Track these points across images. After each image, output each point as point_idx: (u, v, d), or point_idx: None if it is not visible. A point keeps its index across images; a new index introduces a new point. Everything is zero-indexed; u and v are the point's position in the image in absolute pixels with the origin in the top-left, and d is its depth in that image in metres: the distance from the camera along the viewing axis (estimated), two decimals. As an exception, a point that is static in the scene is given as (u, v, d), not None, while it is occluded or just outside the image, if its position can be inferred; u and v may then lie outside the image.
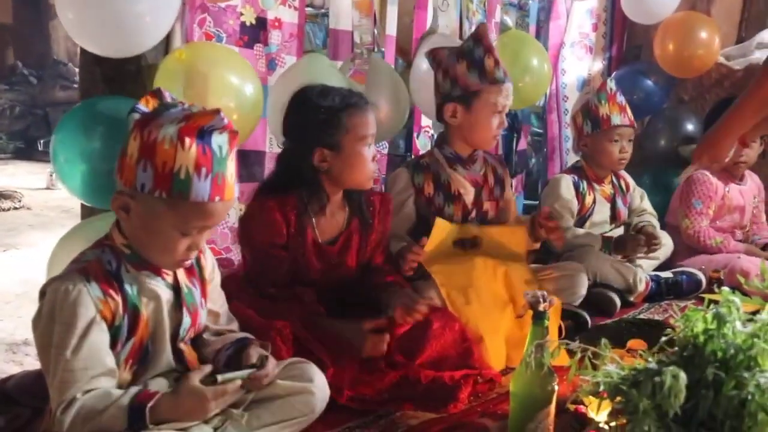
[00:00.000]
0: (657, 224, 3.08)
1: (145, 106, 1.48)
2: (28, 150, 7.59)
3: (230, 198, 1.48)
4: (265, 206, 2.00)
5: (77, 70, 7.30)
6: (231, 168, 1.47)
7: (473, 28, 3.02)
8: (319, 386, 1.64)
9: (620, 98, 2.94)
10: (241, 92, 2.13)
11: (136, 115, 1.45)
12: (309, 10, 2.95)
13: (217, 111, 1.41)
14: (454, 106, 2.45)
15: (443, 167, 2.53)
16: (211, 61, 2.07)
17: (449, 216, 2.51)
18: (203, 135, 1.41)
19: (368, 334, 1.93)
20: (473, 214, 2.55)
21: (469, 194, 2.54)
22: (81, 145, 1.86)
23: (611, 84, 2.96)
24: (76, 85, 7.25)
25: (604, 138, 2.95)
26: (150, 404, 1.41)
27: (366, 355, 1.92)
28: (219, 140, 1.43)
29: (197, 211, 1.44)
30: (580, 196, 2.99)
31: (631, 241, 2.87)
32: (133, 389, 1.46)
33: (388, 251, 2.26)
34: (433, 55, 2.50)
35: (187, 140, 1.39)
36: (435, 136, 3.21)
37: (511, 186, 2.74)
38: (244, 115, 2.15)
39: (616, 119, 2.92)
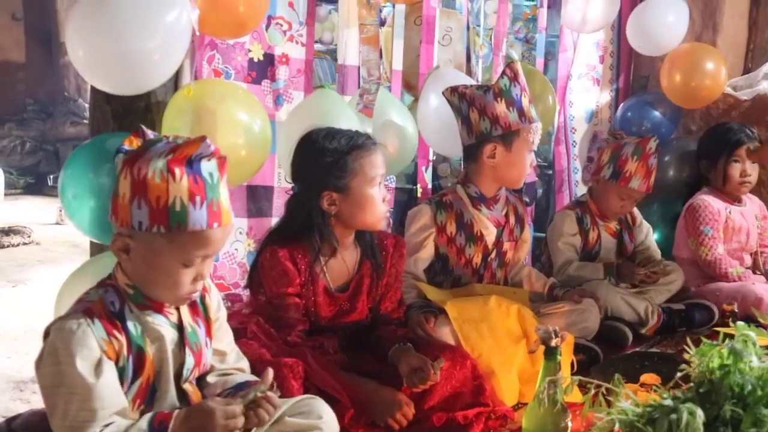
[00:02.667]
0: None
1: (129, 146, 1.48)
2: (38, 185, 7.65)
3: (227, 223, 1.49)
4: (277, 256, 2.00)
5: (87, 106, 7.40)
6: (225, 193, 1.48)
7: (480, 62, 3.05)
8: (328, 423, 1.61)
9: (652, 161, 2.89)
10: (249, 128, 2.13)
11: (122, 156, 1.45)
12: (318, 46, 2.97)
13: (203, 138, 1.42)
14: (494, 146, 2.45)
15: (466, 206, 2.53)
16: (219, 98, 2.08)
17: (470, 256, 2.51)
18: (192, 164, 1.42)
19: (402, 403, 1.87)
20: (493, 254, 2.56)
21: (491, 235, 2.55)
22: (89, 181, 1.86)
23: (653, 143, 2.88)
24: (86, 121, 7.33)
25: (615, 191, 2.95)
26: (171, 425, 1.41)
27: (386, 423, 1.86)
28: (208, 167, 1.44)
29: (197, 240, 1.45)
30: (583, 232, 2.98)
31: (630, 269, 2.85)
32: (147, 415, 1.45)
33: (401, 294, 2.24)
34: (459, 93, 2.49)
35: (177, 171, 1.40)
36: (435, 169, 3.21)
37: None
38: (252, 151, 2.15)
39: (635, 183, 2.89)
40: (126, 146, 1.47)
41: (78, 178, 1.85)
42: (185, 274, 1.48)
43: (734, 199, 3.20)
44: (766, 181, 3.40)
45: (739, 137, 3.14)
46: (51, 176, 7.50)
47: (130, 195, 1.41)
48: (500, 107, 2.41)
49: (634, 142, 2.91)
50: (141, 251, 1.45)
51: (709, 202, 3.12)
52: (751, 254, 3.23)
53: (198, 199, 1.42)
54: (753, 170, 3.14)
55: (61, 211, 5.85)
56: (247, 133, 2.12)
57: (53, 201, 6.33)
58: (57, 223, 5.85)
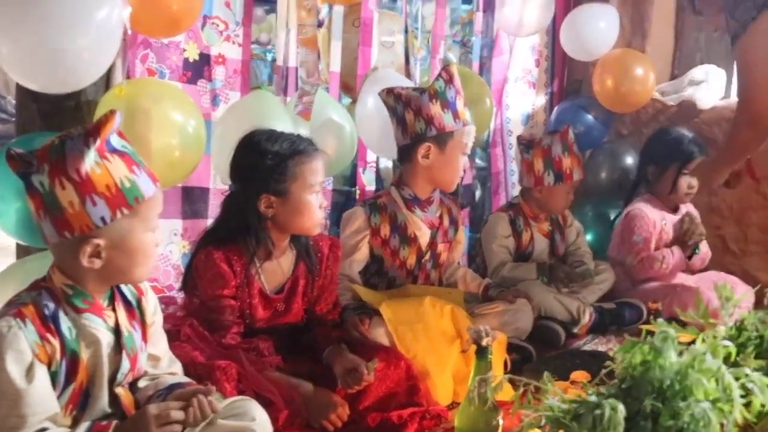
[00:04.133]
0: (591, 262, 3.13)
1: (15, 169, 1.44)
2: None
3: (159, 178, 1.55)
4: (212, 257, 1.98)
5: (15, 102, 7.16)
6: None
7: (418, 65, 3.08)
8: (261, 425, 1.60)
9: (576, 148, 3.02)
10: (183, 129, 2.11)
11: (38, 174, 1.40)
12: (254, 47, 2.96)
13: (114, 113, 1.43)
14: (428, 146, 2.47)
15: (400, 208, 2.55)
16: (153, 97, 2.05)
17: (404, 258, 2.53)
18: (109, 143, 1.44)
19: (337, 404, 1.87)
20: (427, 256, 2.59)
21: (424, 236, 2.57)
22: (16, 182, 1.80)
23: (571, 133, 3.00)
24: (14, 119, 7.09)
25: (562, 190, 3.02)
26: None
27: (321, 425, 1.86)
28: (120, 140, 1.48)
29: (153, 203, 1.51)
30: (516, 233, 3.04)
31: (563, 273, 2.92)
32: (85, 424, 1.44)
33: (336, 295, 2.24)
34: (395, 95, 2.50)
35: (108, 155, 1.43)
36: (379, 171, 3.23)
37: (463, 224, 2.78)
38: (187, 151, 2.13)
39: (577, 174, 2.99)
40: (19, 170, 1.43)
41: (3, 180, 1.80)
42: (152, 242, 1.53)
43: (672, 209, 3.28)
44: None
45: (692, 150, 3.20)
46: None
47: (79, 199, 1.40)
48: (435, 108, 2.44)
49: (558, 140, 3.00)
50: (113, 243, 1.45)
51: (646, 213, 3.19)
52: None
53: (135, 168, 1.47)
54: (695, 182, 3.19)
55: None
56: (181, 134, 2.10)
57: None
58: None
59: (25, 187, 1.44)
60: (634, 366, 1.33)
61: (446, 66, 2.56)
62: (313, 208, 2.03)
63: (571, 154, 2.98)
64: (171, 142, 2.08)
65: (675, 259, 3.15)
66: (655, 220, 3.20)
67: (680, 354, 1.33)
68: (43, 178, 1.40)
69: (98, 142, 1.40)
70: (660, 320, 1.40)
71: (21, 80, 1.79)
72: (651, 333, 1.40)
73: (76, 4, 1.72)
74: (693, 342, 1.42)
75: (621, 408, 1.21)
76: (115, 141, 1.46)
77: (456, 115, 2.46)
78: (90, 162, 1.39)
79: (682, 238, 3.18)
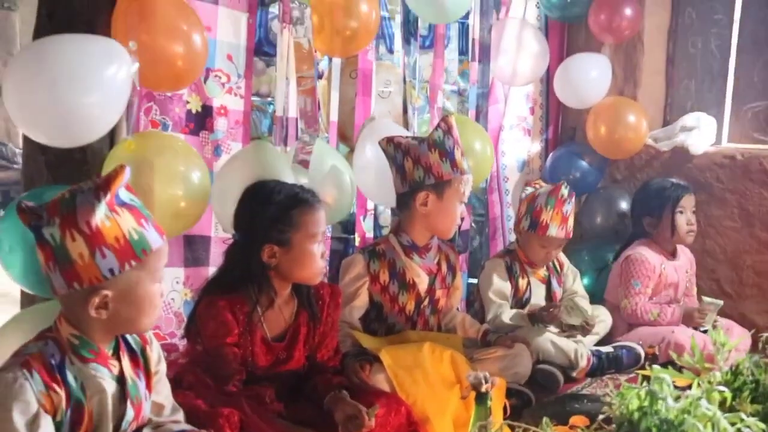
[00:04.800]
0: (589, 307, 3.11)
1: (26, 222, 1.48)
2: (-36, 232, 7.39)
3: (164, 229, 1.60)
4: (216, 305, 2.01)
5: (16, 150, 7.21)
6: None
7: (416, 115, 3.14)
8: (265, 472, 1.63)
9: (567, 207, 2.98)
10: (188, 180, 2.15)
11: (49, 227, 1.44)
12: (255, 98, 3.02)
13: (123, 168, 1.48)
14: (427, 194, 2.52)
15: (399, 255, 2.59)
16: (159, 150, 2.10)
17: (403, 303, 2.56)
18: (118, 196, 1.48)
19: None
20: (426, 302, 2.61)
21: (423, 283, 2.61)
22: (24, 232, 1.84)
23: (564, 191, 2.98)
24: (15, 166, 7.14)
25: (535, 240, 3.03)
26: None
27: None
28: (128, 194, 1.52)
29: (159, 255, 1.54)
30: (513, 279, 3.06)
31: (547, 313, 2.90)
32: None
33: (337, 342, 2.26)
34: (395, 144, 2.56)
35: (117, 208, 1.47)
36: (377, 218, 3.27)
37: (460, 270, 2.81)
38: (192, 202, 2.16)
39: (553, 230, 2.96)
40: (30, 223, 1.47)
41: (13, 231, 1.84)
42: (158, 292, 1.56)
43: (670, 253, 3.31)
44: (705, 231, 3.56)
45: (678, 190, 3.27)
46: (-22, 223, 7.27)
47: (89, 251, 1.43)
48: (434, 157, 2.50)
49: (547, 192, 3.01)
50: (120, 294, 1.49)
51: (646, 257, 3.21)
52: (677, 305, 3.32)
53: (143, 221, 1.51)
54: (694, 218, 3.27)
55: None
56: (186, 185, 2.14)
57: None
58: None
59: (35, 240, 1.48)
60: (631, 411, 1.36)
61: (445, 117, 2.62)
62: (315, 257, 2.06)
63: (555, 209, 2.96)
64: (176, 193, 2.12)
65: (672, 317, 3.17)
66: (655, 265, 3.23)
67: (677, 399, 1.36)
68: (53, 230, 1.44)
69: (108, 195, 1.44)
70: (656, 366, 1.43)
71: (32, 134, 1.85)
72: (647, 378, 1.43)
73: (87, 62, 1.78)
74: (689, 387, 1.45)
75: (619, 453, 1.23)
76: (124, 195, 1.50)
77: (454, 164, 2.51)
78: (100, 215, 1.43)
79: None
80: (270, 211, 2.02)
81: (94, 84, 1.79)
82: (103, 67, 1.81)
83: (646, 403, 1.34)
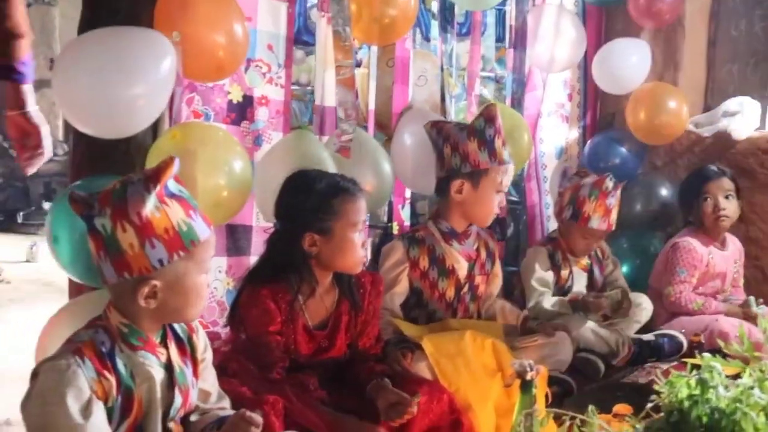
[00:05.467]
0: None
1: (78, 212, 1.52)
2: (7, 222, 7.55)
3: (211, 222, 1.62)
4: (258, 295, 2.02)
5: (58, 143, 7.35)
6: None
7: (453, 102, 3.13)
8: (310, 460, 1.64)
9: (610, 200, 2.95)
10: (230, 170, 2.16)
11: (100, 217, 1.47)
12: (295, 87, 3.03)
13: (173, 159, 1.50)
14: (462, 182, 2.52)
15: (438, 241, 2.59)
16: (201, 140, 2.12)
17: (443, 290, 2.56)
18: (167, 188, 1.50)
19: None
20: (465, 288, 2.61)
21: (462, 269, 2.60)
22: (74, 223, 1.86)
23: (609, 183, 2.95)
24: (56, 158, 7.28)
25: (577, 231, 3.01)
26: None
27: None
28: (177, 185, 1.54)
29: (207, 246, 1.56)
30: (555, 267, 3.04)
31: (593, 303, 2.89)
32: None
33: (378, 330, 2.27)
34: (438, 128, 2.57)
35: (166, 199, 1.49)
36: (414, 206, 3.27)
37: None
38: (233, 191, 2.18)
39: (595, 222, 2.94)
40: (82, 213, 1.51)
41: (63, 221, 1.87)
42: (205, 283, 1.59)
43: (719, 242, 3.26)
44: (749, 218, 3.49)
45: (702, 176, 3.24)
46: (21, 213, 7.42)
47: (139, 242, 1.45)
48: (472, 146, 2.49)
49: (591, 183, 2.98)
50: (169, 284, 1.51)
51: (694, 246, 3.17)
52: (723, 296, 3.28)
53: (191, 212, 1.53)
54: (729, 205, 3.19)
55: (32, 248, 5.80)
56: (229, 175, 2.15)
57: (23, 239, 6.28)
58: (27, 261, 5.79)
59: (87, 229, 1.51)
60: (680, 400, 1.35)
61: (489, 105, 2.60)
62: (356, 246, 2.06)
63: (598, 200, 2.93)
64: (218, 182, 2.14)
65: (715, 308, 3.13)
66: (702, 254, 3.18)
67: (726, 388, 1.34)
68: (105, 221, 1.46)
69: (158, 187, 1.46)
70: (705, 354, 1.42)
71: (79, 126, 1.87)
72: (696, 366, 1.42)
73: (132, 54, 1.80)
74: (737, 375, 1.43)
75: (670, 442, 1.22)
76: (173, 186, 1.52)
77: (492, 154, 2.50)
78: (150, 206, 1.45)
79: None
80: (311, 200, 2.03)
81: (139, 76, 1.82)
82: (148, 58, 1.83)
83: (696, 392, 1.33)
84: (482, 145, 2.49)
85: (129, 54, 1.80)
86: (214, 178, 2.13)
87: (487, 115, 2.52)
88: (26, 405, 1.44)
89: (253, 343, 2.04)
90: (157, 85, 1.85)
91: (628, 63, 3.49)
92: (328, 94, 2.69)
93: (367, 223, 3.07)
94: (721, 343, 1.60)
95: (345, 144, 2.52)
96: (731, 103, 3.60)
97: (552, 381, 2.41)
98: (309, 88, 3.19)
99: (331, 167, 2.34)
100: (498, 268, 2.81)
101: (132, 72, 1.81)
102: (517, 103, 3.51)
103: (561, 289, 3.06)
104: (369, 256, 2.93)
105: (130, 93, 1.81)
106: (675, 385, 1.37)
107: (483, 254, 2.68)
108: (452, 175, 2.54)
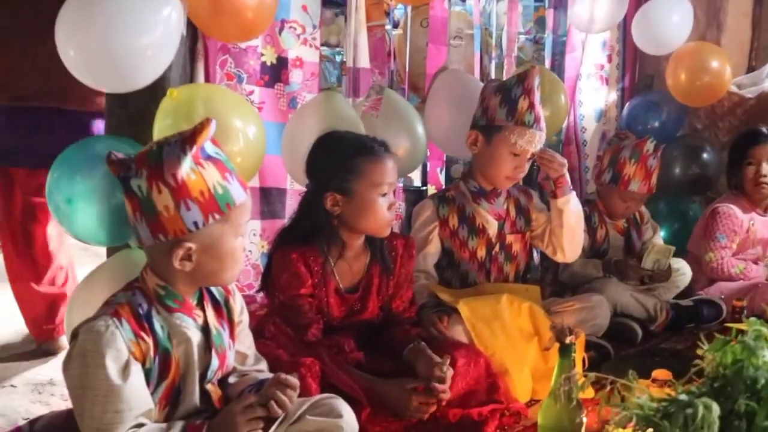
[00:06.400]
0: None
1: (116, 172, 1.51)
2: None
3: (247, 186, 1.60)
4: (289, 258, 2.02)
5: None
6: None
7: (493, 63, 3.07)
8: (348, 422, 1.64)
9: (651, 162, 2.90)
10: (244, 134, 2.07)
11: (137, 178, 1.46)
12: (324, 49, 3.00)
13: (209, 121, 1.48)
14: (476, 134, 2.50)
15: (468, 200, 2.56)
16: (208, 101, 2.00)
17: (473, 249, 2.53)
18: (204, 150, 1.49)
19: (412, 395, 1.89)
20: (497, 248, 2.57)
21: (492, 228, 2.57)
22: (93, 183, 1.77)
23: (650, 145, 2.90)
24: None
25: (616, 194, 2.97)
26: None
27: (410, 416, 1.89)
28: (214, 147, 1.53)
29: (243, 209, 1.55)
30: (591, 229, 3.00)
31: (632, 270, 2.86)
32: (179, 423, 1.50)
33: (412, 293, 2.26)
34: (487, 83, 2.58)
35: (202, 161, 1.48)
36: (449, 170, 3.24)
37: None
38: (246, 154, 2.08)
39: (635, 185, 2.90)
40: (119, 174, 1.50)
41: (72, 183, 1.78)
42: (240, 246, 1.58)
43: (760, 207, 3.19)
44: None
45: (747, 140, 3.16)
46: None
47: (174, 203, 1.45)
48: (495, 100, 2.46)
49: (632, 145, 2.93)
50: (204, 247, 1.51)
51: (735, 211, 3.12)
52: (764, 263, 3.23)
53: (227, 175, 1.52)
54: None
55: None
56: (241, 137, 2.06)
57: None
58: (65, 226, 5.85)
59: (123, 191, 1.51)
60: (725, 365, 1.32)
61: (531, 66, 2.55)
62: (380, 208, 2.02)
63: (639, 163, 2.89)
64: (232, 149, 1.99)
65: (756, 275, 3.08)
66: (743, 219, 3.12)
67: (773, 353, 1.31)
68: (141, 182, 1.46)
69: (194, 149, 1.45)
70: (751, 319, 1.38)
71: (86, 80, 1.78)
72: (741, 332, 1.38)
73: (138, 4, 1.74)
74: (784, 341, 1.39)
75: (715, 407, 1.20)
76: (210, 148, 1.51)
77: (511, 112, 2.42)
78: (186, 168, 1.45)
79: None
80: (333, 159, 2.01)
81: (147, 26, 1.75)
82: (156, 8, 1.77)
83: (742, 357, 1.30)
84: (504, 102, 2.44)
85: (135, 4, 1.73)
86: (224, 141, 2.00)
87: (521, 75, 2.47)
88: (67, 366, 1.46)
89: (286, 306, 2.05)
90: (164, 35, 1.78)
91: (669, 22, 3.38)
92: (361, 55, 2.64)
93: (402, 186, 3.06)
94: (766, 308, 1.56)
95: (376, 106, 2.49)
96: (777, 63, 3.50)
97: (589, 346, 2.39)
98: (338, 48, 3.15)
99: (361, 129, 2.31)
100: (541, 216, 2.64)
101: (138, 22, 1.74)
102: (558, 65, 3.43)
103: (596, 251, 3.03)
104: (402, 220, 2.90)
105: (137, 43, 1.73)
106: (719, 350, 1.33)
107: (513, 213, 2.61)
108: (473, 125, 2.53)
